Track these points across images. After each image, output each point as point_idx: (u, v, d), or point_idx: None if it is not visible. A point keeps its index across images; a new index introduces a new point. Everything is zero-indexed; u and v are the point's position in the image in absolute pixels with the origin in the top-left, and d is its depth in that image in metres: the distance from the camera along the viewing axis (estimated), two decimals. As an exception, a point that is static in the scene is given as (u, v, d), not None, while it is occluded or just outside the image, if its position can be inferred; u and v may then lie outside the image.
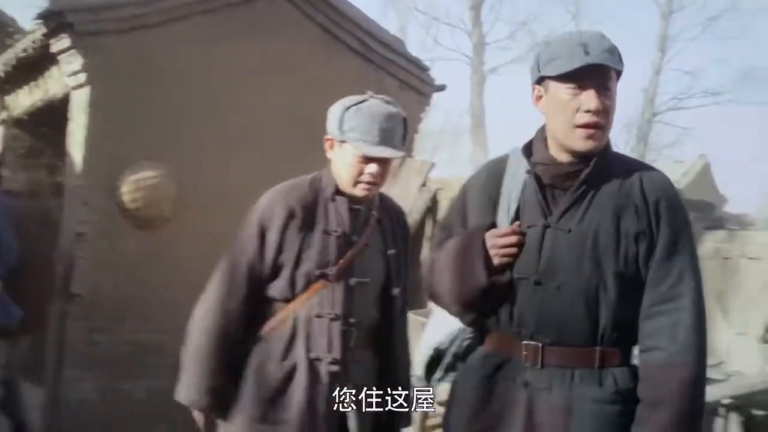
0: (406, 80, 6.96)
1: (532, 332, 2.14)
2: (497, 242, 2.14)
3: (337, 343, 2.67)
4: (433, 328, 2.47)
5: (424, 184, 7.10)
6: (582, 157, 2.14)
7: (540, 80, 2.18)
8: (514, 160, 2.28)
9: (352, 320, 2.71)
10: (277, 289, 2.72)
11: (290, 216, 2.70)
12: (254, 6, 6.15)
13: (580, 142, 2.12)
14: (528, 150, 2.25)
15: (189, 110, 5.82)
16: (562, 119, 2.12)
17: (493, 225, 2.21)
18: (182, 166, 5.78)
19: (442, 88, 7.52)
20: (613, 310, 2.10)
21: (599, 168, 2.14)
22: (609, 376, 2.11)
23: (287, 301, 2.71)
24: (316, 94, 5.46)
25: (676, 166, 20.95)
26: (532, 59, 2.25)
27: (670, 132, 26.53)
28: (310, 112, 5.54)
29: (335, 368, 2.66)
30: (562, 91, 2.11)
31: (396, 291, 2.82)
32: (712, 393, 6.04)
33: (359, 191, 2.72)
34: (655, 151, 25.61)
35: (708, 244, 7.84)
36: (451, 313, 2.34)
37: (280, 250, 2.70)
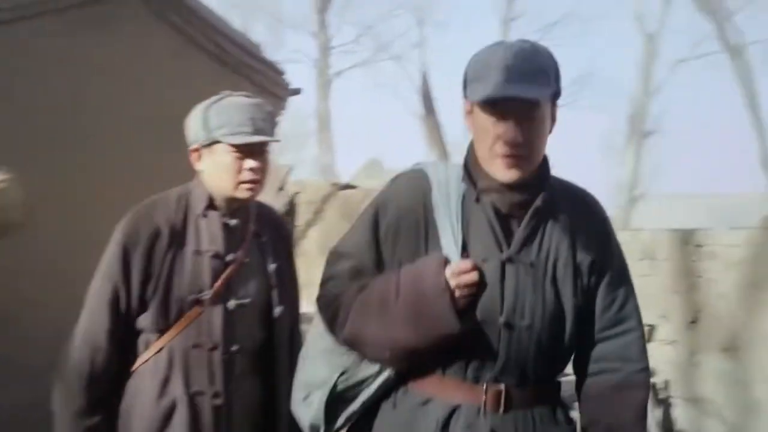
0: (262, 84, 6.91)
1: (496, 375, 1.91)
2: (462, 280, 1.86)
3: (219, 374, 2.44)
4: (315, 361, 2.11)
5: (281, 188, 7.08)
6: (530, 183, 1.96)
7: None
8: (438, 180, 2.02)
9: (234, 347, 2.48)
10: (148, 319, 2.45)
11: (156, 236, 2.45)
12: (106, 4, 5.97)
13: (502, 172, 1.92)
14: (466, 171, 2.01)
15: (38, 111, 5.57)
16: (485, 146, 1.93)
17: (446, 260, 1.90)
18: (32, 169, 5.53)
19: (297, 92, 7.51)
20: (570, 342, 1.99)
21: (549, 194, 1.99)
22: (559, 411, 2.02)
23: (161, 332, 2.45)
24: (170, 97, 5.31)
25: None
26: (464, 68, 1.98)
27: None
28: (165, 114, 5.40)
29: (219, 402, 2.44)
30: (484, 117, 1.91)
31: (279, 310, 2.59)
32: (565, 388, 6.18)
33: (242, 193, 2.48)
34: (495, 154, 26.41)
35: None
36: (383, 362, 1.99)
37: (147, 275, 2.42)
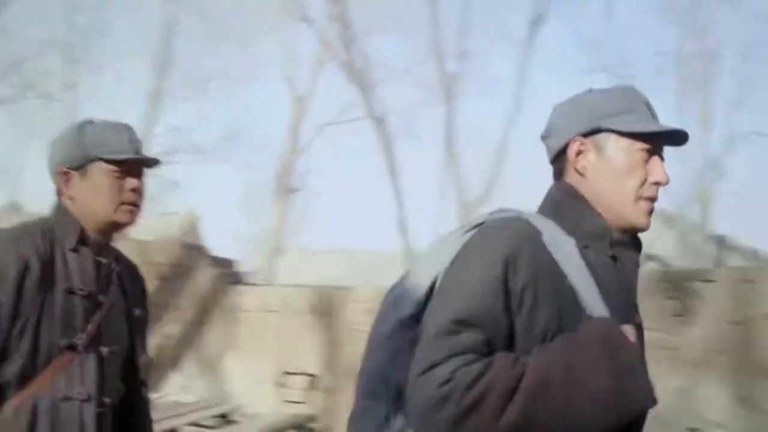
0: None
1: None
2: None
3: (92, 431, 2.09)
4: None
5: None
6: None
7: (590, 131, 1.67)
8: (547, 230, 1.61)
9: (106, 400, 2.15)
10: (13, 367, 2.03)
11: (26, 269, 2.05)
12: None
13: (643, 217, 1.66)
14: (578, 220, 1.66)
15: None
16: (629, 187, 1.65)
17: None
18: None
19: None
20: None
21: None
22: None
23: (23, 383, 2.03)
24: None
25: (169, 217, 20.57)
26: (572, 105, 1.72)
27: (158, 184, 24.93)
28: None
29: None
30: (635, 154, 1.65)
31: (144, 358, 2.34)
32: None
33: (123, 216, 2.19)
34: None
35: (230, 298, 8.59)
36: None
37: (15, 314, 2.02)
